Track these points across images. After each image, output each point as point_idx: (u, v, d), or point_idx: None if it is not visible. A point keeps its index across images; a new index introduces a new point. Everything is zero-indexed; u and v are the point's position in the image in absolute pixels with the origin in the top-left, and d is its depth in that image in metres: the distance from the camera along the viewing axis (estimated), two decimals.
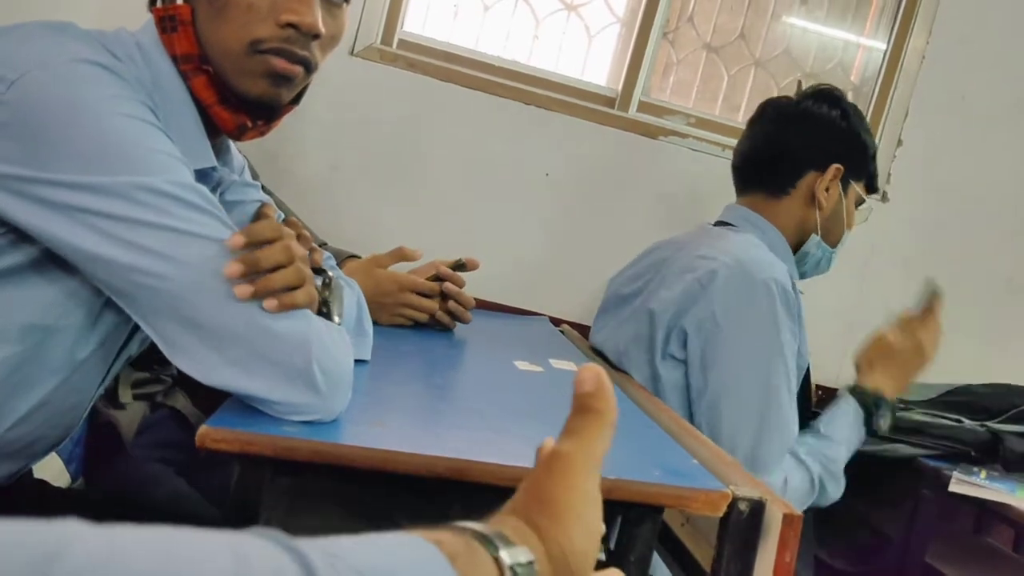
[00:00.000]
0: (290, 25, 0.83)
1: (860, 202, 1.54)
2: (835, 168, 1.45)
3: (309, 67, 0.88)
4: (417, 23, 2.10)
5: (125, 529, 0.27)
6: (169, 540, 0.27)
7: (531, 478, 0.44)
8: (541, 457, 0.46)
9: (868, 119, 2.12)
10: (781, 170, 1.48)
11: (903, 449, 1.67)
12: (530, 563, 0.38)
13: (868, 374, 1.44)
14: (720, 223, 1.52)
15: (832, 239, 1.51)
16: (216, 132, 0.90)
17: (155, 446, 1.33)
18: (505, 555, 0.37)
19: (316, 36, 0.85)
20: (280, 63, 0.84)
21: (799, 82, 1.63)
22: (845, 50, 2.27)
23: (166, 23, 0.84)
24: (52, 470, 1.23)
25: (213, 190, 0.93)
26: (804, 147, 1.47)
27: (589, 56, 2.19)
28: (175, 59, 0.84)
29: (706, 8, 2.22)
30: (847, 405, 1.39)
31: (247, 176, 1.07)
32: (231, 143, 1.01)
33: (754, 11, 2.23)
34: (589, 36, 2.19)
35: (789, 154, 1.47)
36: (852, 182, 1.49)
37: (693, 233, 1.53)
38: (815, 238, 1.48)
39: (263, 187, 1.18)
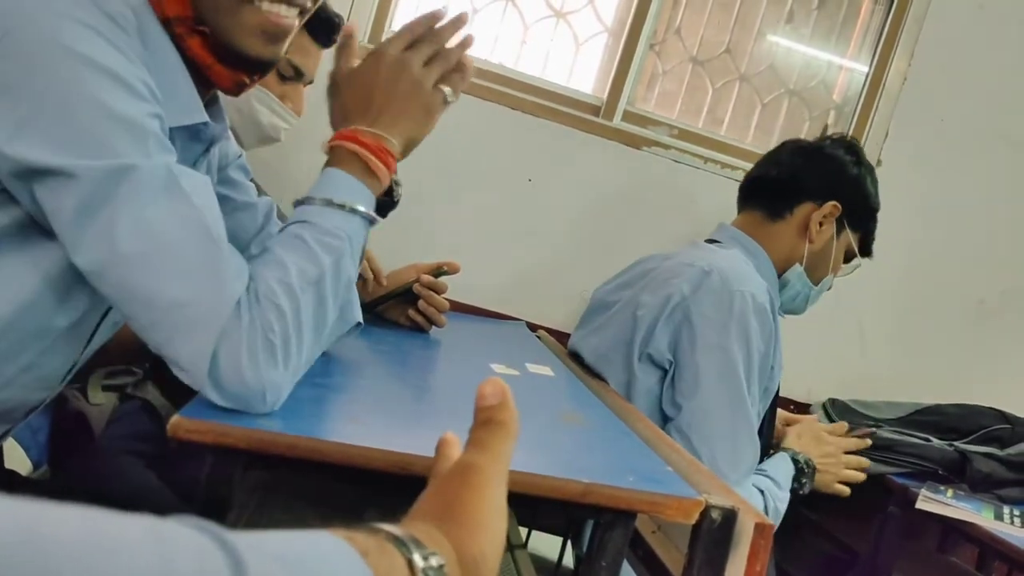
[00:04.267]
0: None
1: (851, 256, 1.55)
2: (832, 205, 1.48)
3: (304, 10, 0.88)
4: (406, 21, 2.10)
5: (46, 507, 0.26)
6: (92, 522, 0.27)
7: (443, 486, 0.46)
8: (452, 465, 0.47)
9: (848, 137, 2.16)
10: (782, 194, 1.51)
11: (872, 466, 1.69)
12: (441, 567, 0.39)
13: (795, 443, 1.49)
14: (711, 241, 1.54)
15: (815, 277, 1.53)
16: (205, 89, 0.89)
17: (125, 438, 1.31)
18: (417, 558, 0.38)
19: None
20: (274, 17, 0.83)
21: (825, 125, 1.65)
22: (828, 69, 2.30)
23: None
24: (14, 459, 1.22)
25: (207, 148, 0.92)
26: (809, 176, 1.50)
27: (576, 64, 2.20)
28: (167, 22, 0.82)
29: (693, 22, 2.24)
30: (786, 463, 1.43)
31: (244, 161, 1.07)
32: (228, 123, 1.00)
33: (740, 27, 2.25)
34: (577, 44, 2.20)
35: (793, 179, 1.50)
36: (847, 228, 1.51)
37: (682, 247, 1.55)
38: (798, 268, 1.50)
39: (252, 181, 1.18)
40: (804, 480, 1.41)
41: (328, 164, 0.86)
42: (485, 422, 0.49)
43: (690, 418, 1.29)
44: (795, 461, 1.42)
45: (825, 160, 1.51)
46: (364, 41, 1.99)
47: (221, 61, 0.85)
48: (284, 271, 0.75)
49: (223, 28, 0.83)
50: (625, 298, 1.46)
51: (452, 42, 0.93)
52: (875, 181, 1.54)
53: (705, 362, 1.30)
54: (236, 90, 0.89)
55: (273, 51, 0.86)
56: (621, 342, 1.40)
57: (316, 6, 0.89)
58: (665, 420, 1.35)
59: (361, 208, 0.82)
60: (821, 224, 1.49)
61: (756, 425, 1.35)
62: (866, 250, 1.58)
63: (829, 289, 1.58)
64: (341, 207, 0.81)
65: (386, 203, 1.01)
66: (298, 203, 0.83)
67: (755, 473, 1.36)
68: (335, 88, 0.92)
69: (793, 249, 1.50)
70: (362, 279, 1.38)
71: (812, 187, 1.49)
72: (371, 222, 0.85)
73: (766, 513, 1.30)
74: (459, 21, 0.93)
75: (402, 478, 0.70)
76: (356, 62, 0.91)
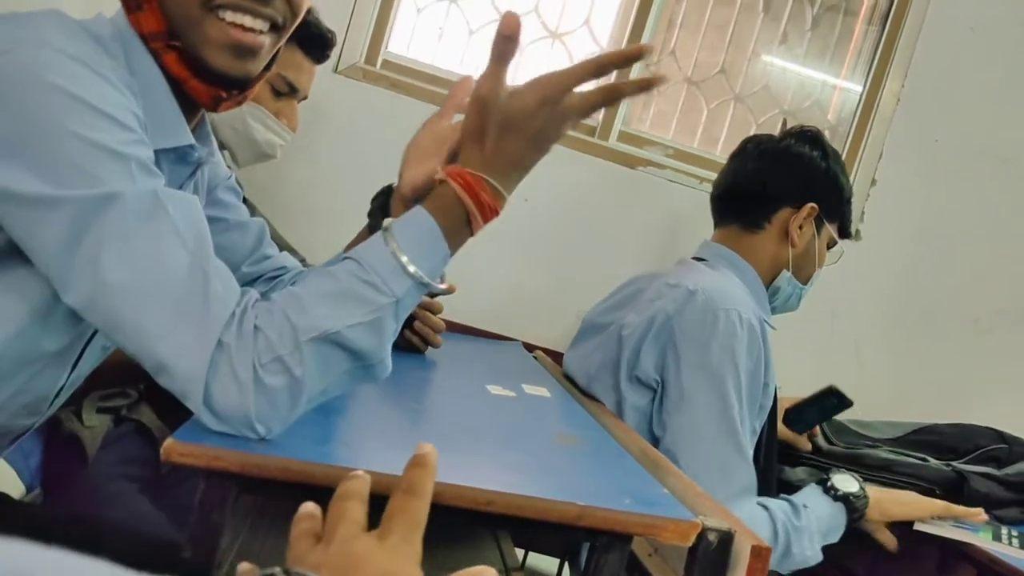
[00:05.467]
0: None
1: (832, 243, 1.56)
2: (810, 207, 1.48)
3: (276, 26, 0.85)
4: (402, 44, 2.11)
5: (77, 562, 0.27)
6: None
7: (369, 554, 0.47)
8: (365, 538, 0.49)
9: (843, 158, 2.17)
10: (757, 205, 1.50)
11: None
12: None
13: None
14: (697, 259, 1.54)
15: (803, 276, 1.53)
16: (192, 111, 0.89)
17: (119, 462, 1.30)
18: None
19: None
20: (238, 33, 0.82)
21: (784, 120, 1.66)
22: (823, 90, 2.31)
23: (131, 3, 0.83)
24: (6, 482, 1.21)
25: (194, 171, 0.92)
26: (781, 183, 1.49)
27: None
28: (144, 38, 0.83)
29: (688, 43, 2.25)
30: (811, 488, 1.38)
31: (233, 182, 1.07)
32: (215, 144, 1.00)
33: (735, 48, 2.26)
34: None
35: (766, 189, 1.50)
36: (826, 223, 1.52)
37: (670, 266, 1.55)
38: (786, 274, 1.50)
39: (245, 199, 1.17)
40: (842, 481, 1.35)
41: (429, 200, 0.78)
42: (411, 492, 0.52)
43: (677, 437, 1.29)
44: (821, 484, 1.37)
45: (793, 161, 1.50)
46: (360, 61, 2.00)
47: (196, 75, 0.84)
48: (299, 314, 0.71)
49: (192, 42, 0.83)
50: (616, 319, 1.46)
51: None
52: (843, 167, 1.55)
53: (690, 381, 1.30)
54: (213, 105, 0.88)
55: (242, 67, 0.84)
56: (609, 362, 1.40)
57: (296, 22, 0.88)
58: (655, 440, 1.34)
59: (425, 279, 0.75)
60: (801, 227, 1.49)
61: (751, 443, 1.34)
62: (845, 234, 1.58)
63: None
64: (405, 270, 0.74)
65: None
66: (383, 229, 0.75)
67: (778, 499, 1.33)
68: (482, 107, 0.77)
69: (777, 256, 1.50)
70: None
71: (786, 192, 1.49)
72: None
73: (775, 532, 1.27)
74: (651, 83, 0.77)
75: None
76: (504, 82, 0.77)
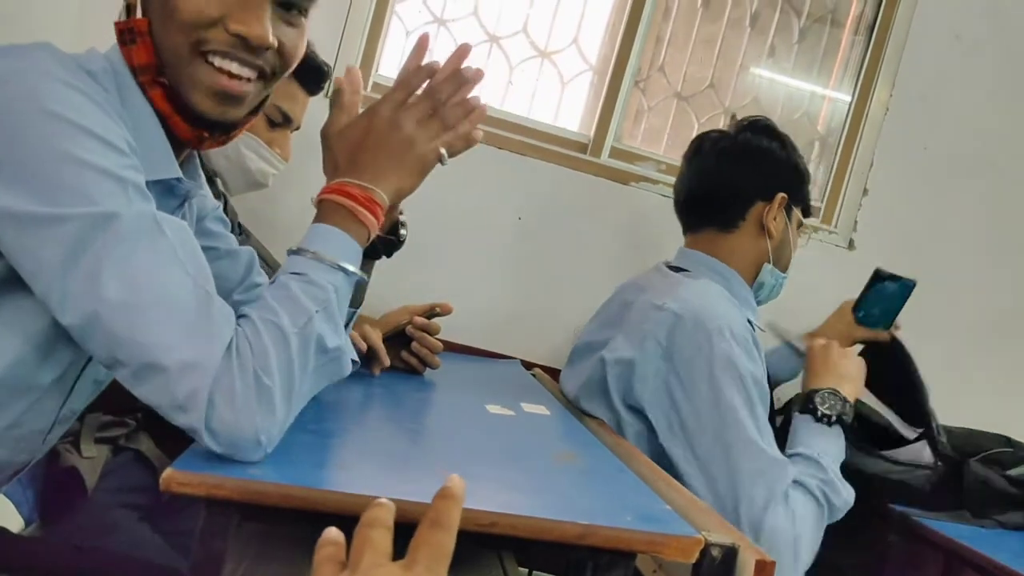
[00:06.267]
0: (239, 36, 0.83)
1: (799, 225, 1.60)
2: (780, 197, 1.50)
3: (264, 75, 0.87)
4: (392, 67, 2.12)
5: None
6: None
7: None
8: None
9: (835, 168, 2.20)
10: (730, 204, 1.51)
11: (869, 464, 1.66)
12: None
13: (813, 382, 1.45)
14: (676, 268, 1.53)
15: (782, 265, 1.56)
16: (181, 145, 0.90)
17: (118, 491, 1.29)
18: None
19: (267, 49, 0.85)
20: (225, 80, 0.84)
21: (732, 115, 1.67)
22: (811, 101, 2.33)
23: (126, 36, 0.84)
24: (5, 516, 1.20)
25: (182, 203, 0.93)
26: (750, 180, 1.51)
27: (562, 102, 2.22)
28: (134, 71, 0.84)
29: (676, 58, 2.27)
30: (794, 420, 1.39)
31: (220, 212, 1.07)
32: (203, 178, 1.01)
33: (723, 62, 2.28)
34: (562, 83, 2.22)
35: (736, 188, 1.51)
36: (794, 208, 1.55)
37: (652, 275, 1.54)
38: (768, 267, 1.52)
39: (240, 225, 1.17)
40: (827, 405, 1.36)
41: (317, 218, 0.86)
42: (436, 524, 0.51)
43: (704, 461, 1.27)
44: (810, 413, 1.37)
45: (755, 155, 1.51)
46: None
47: (179, 113, 0.86)
48: (276, 316, 0.75)
49: (179, 82, 0.84)
50: (607, 338, 1.45)
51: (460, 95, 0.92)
52: (797, 150, 1.56)
53: (701, 403, 1.28)
54: (196, 143, 0.90)
55: (224, 112, 0.86)
56: (596, 384, 1.40)
57: (286, 72, 0.89)
58: (660, 460, 1.33)
59: (347, 266, 0.83)
60: (775, 218, 1.51)
61: (769, 444, 1.30)
62: (808, 213, 1.61)
63: None
64: (329, 265, 0.82)
65: (391, 243, 1.04)
66: (290, 252, 0.84)
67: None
68: (325, 143, 0.93)
69: (757, 251, 1.52)
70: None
71: (756, 187, 1.51)
72: (358, 279, 0.85)
73: (819, 503, 1.24)
74: (461, 78, 0.90)
75: (398, 525, 0.70)
76: (347, 116, 0.92)
